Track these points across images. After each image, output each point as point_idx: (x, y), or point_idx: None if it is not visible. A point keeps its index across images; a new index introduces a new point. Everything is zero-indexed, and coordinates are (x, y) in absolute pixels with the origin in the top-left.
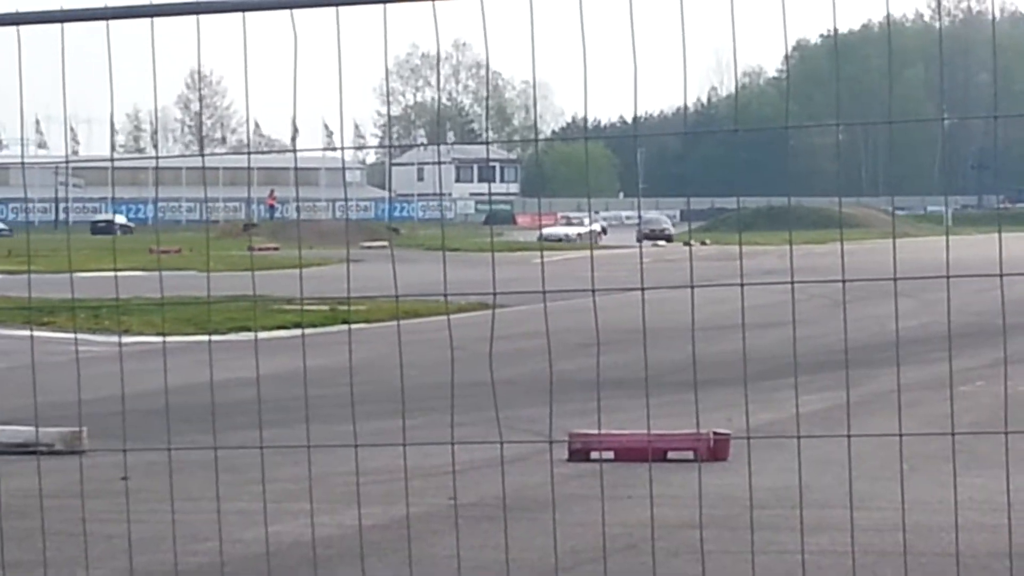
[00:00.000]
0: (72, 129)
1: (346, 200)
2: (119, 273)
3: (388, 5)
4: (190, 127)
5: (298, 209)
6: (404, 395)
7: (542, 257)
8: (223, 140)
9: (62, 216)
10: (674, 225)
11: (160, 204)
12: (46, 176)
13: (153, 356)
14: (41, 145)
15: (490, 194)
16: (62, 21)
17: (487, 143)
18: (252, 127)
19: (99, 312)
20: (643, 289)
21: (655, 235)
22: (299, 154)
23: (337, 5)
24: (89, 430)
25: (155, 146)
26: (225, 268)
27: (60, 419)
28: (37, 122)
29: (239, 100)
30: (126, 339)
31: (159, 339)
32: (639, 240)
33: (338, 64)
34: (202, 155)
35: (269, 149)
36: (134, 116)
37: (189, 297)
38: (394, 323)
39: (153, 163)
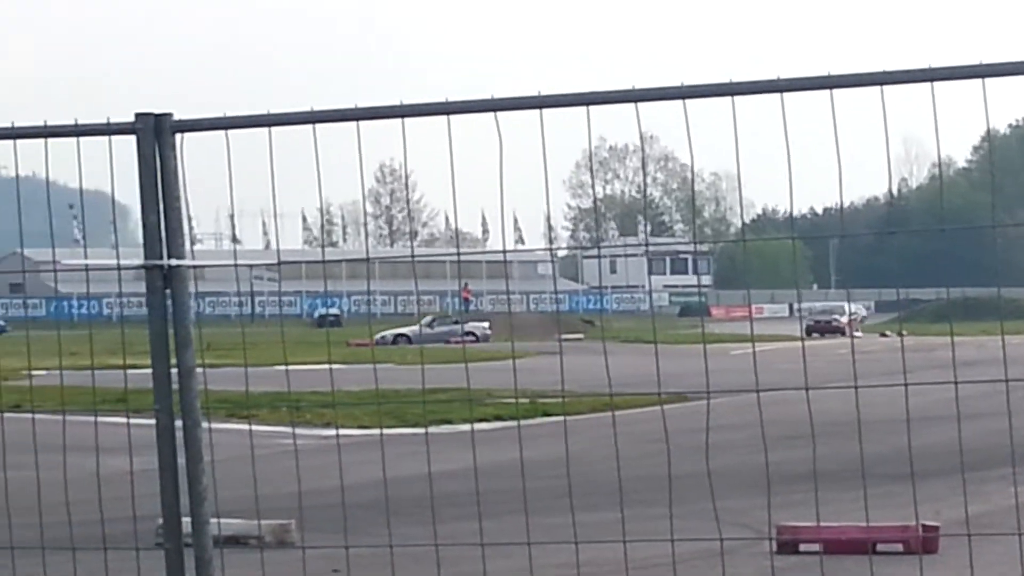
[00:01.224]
0: (264, 223)
1: (555, 292)
2: (318, 366)
3: (591, 107)
4: (379, 220)
5: (508, 303)
6: (622, 491)
7: (754, 350)
8: (414, 234)
9: (265, 309)
10: (867, 316)
11: (353, 298)
12: (241, 270)
13: (355, 449)
14: (234, 239)
15: (699, 286)
16: (270, 125)
17: (694, 240)
18: (444, 221)
19: (300, 405)
20: (856, 387)
21: (822, 327)
22: (492, 246)
23: (540, 107)
24: (297, 522)
25: (344, 239)
26: (428, 361)
27: (266, 512)
28: (231, 216)
29: (430, 193)
30: (326, 432)
31: (360, 431)
32: (808, 333)
33: (543, 164)
34: (412, 252)
35: (489, 250)
36: (326, 210)
37: (389, 390)
38: (592, 415)
39: (348, 256)
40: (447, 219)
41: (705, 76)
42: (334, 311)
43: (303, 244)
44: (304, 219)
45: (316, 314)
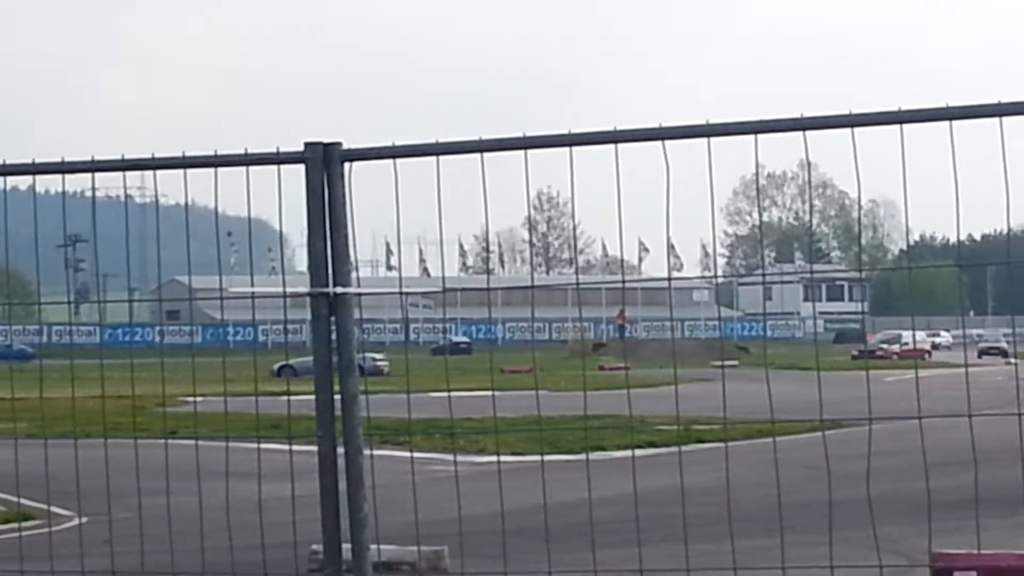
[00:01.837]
0: (420, 250)
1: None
2: (469, 393)
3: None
4: (536, 247)
5: (672, 329)
6: (782, 517)
7: (916, 376)
8: (570, 261)
9: (420, 336)
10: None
11: (509, 324)
12: (395, 297)
13: (507, 475)
14: (390, 267)
15: (861, 312)
16: (438, 154)
17: (860, 268)
18: (601, 247)
19: (455, 432)
20: (1020, 415)
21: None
22: (647, 274)
23: (708, 136)
24: (449, 549)
25: (497, 267)
26: (575, 388)
27: (419, 538)
28: (387, 244)
29: (587, 220)
30: (478, 458)
31: (514, 458)
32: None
33: (710, 191)
34: (577, 279)
35: (647, 277)
36: (482, 237)
37: (545, 417)
38: (745, 442)
39: (511, 283)
40: (603, 246)
41: (859, 105)
42: (463, 339)
43: (459, 271)
44: (460, 246)
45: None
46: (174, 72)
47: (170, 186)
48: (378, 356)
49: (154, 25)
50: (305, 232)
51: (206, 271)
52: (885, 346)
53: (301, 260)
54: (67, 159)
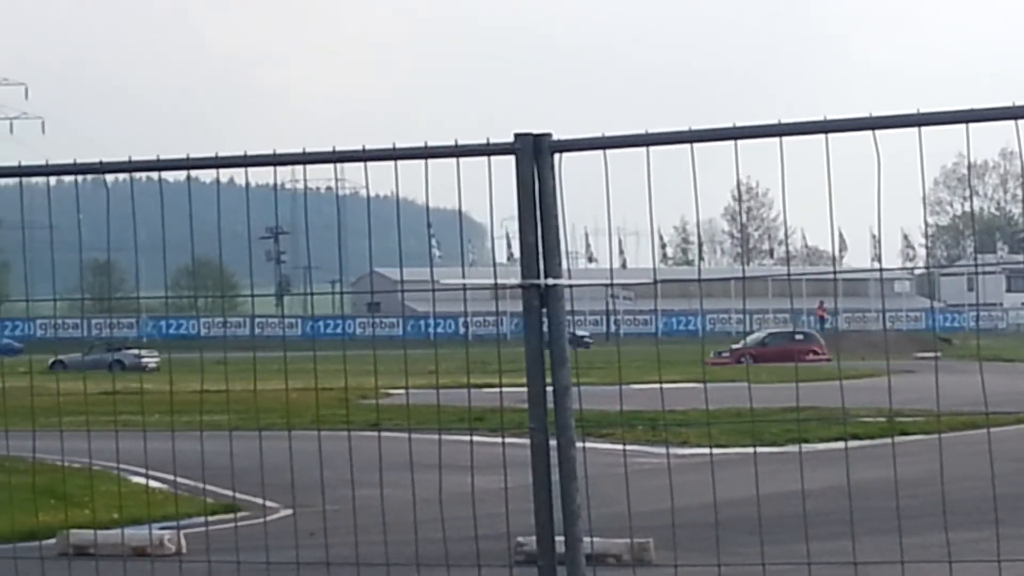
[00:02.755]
0: (620, 241)
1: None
2: (672, 385)
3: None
4: (736, 239)
5: (884, 321)
6: (997, 509)
7: None
8: (771, 252)
9: (620, 328)
10: None
11: (709, 316)
12: (596, 289)
13: (707, 468)
14: (591, 259)
15: None
16: (648, 144)
17: None
18: (800, 239)
19: (656, 424)
20: None
21: None
22: (848, 264)
23: (919, 125)
24: (655, 541)
25: (700, 258)
26: (776, 380)
27: (623, 530)
28: (586, 235)
29: (787, 210)
30: (682, 451)
31: (717, 450)
32: None
33: (921, 182)
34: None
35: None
36: (681, 229)
37: (743, 409)
38: (951, 434)
39: (720, 274)
40: (803, 236)
41: None
42: (583, 333)
43: (659, 262)
44: (660, 237)
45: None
46: (364, 62)
47: (359, 177)
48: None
49: (349, 14)
50: (503, 223)
51: (406, 262)
52: None
53: (499, 251)
54: (277, 151)
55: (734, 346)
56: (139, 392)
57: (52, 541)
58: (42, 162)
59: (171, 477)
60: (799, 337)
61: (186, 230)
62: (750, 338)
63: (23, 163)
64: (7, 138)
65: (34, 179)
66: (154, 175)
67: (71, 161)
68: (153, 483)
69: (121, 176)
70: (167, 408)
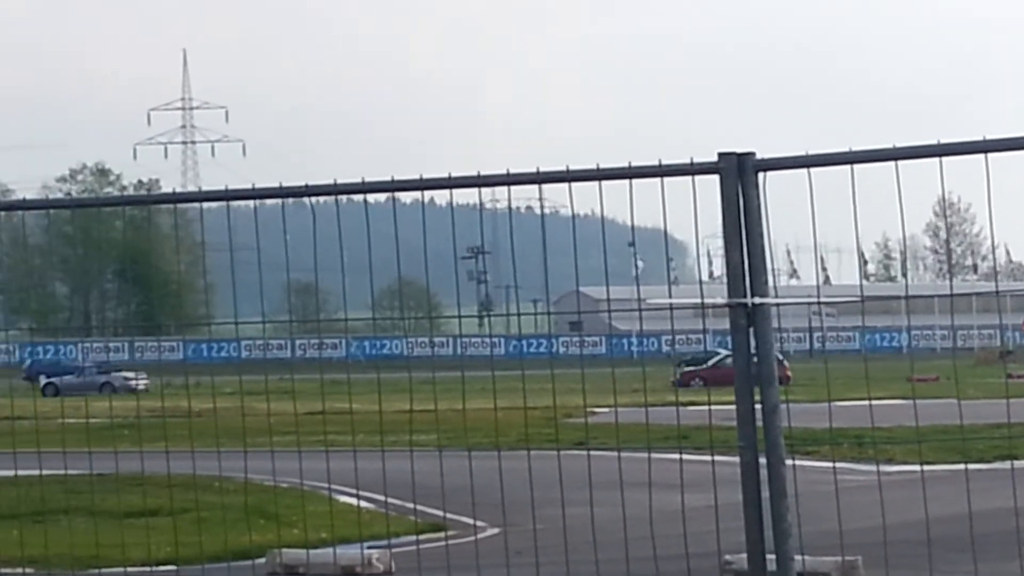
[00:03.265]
0: (821, 258)
1: None
2: (879, 402)
3: None
4: (939, 254)
5: None
6: None
7: None
8: (974, 268)
9: (824, 345)
10: None
11: (914, 332)
12: (798, 307)
13: (917, 484)
14: (792, 275)
15: None
16: (851, 163)
17: None
18: (1004, 254)
19: (863, 441)
20: None
21: None
22: None
23: None
24: (864, 559)
25: (904, 275)
26: (983, 396)
27: (832, 548)
28: (788, 252)
29: (988, 226)
30: (888, 468)
31: (924, 468)
32: None
33: None
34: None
35: None
36: (883, 244)
37: (951, 425)
38: None
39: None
40: (1007, 251)
41: None
42: (779, 356)
43: (862, 279)
44: (861, 253)
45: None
46: (566, 85)
47: (559, 196)
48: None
49: (550, 35)
50: (704, 241)
51: (604, 281)
52: None
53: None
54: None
55: (687, 368)
56: (348, 412)
57: (262, 560)
58: (247, 185)
59: (380, 497)
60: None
61: (389, 251)
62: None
63: (229, 187)
64: (209, 161)
65: (239, 203)
66: (357, 197)
67: (276, 184)
68: (363, 503)
69: (324, 199)
70: (374, 428)
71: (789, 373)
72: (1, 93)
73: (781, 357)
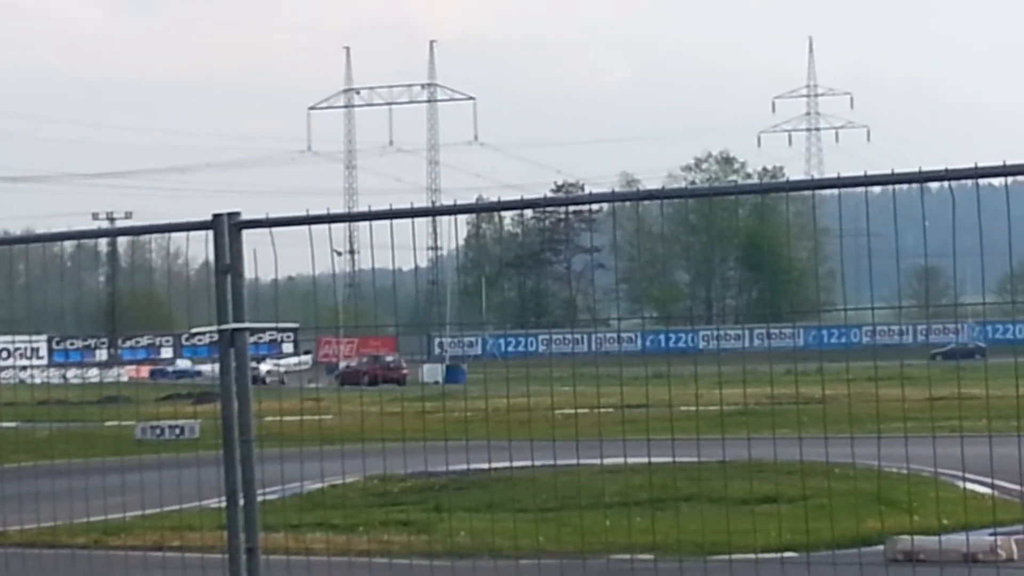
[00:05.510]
0: None
1: None
2: None
3: None
4: None
5: None
6: None
7: None
8: None
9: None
10: None
11: None
12: None
13: None
14: None
15: None
16: None
17: None
18: None
19: None
20: None
21: None
22: None
23: None
24: None
25: None
26: None
27: None
28: None
29: None
30: None
31: None
32: None
33: None
34: None
35: None
36: None
37: None
38: None
39: None
40: None
41: None
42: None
43: None
44: None
45: None
46: None
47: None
48: None
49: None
50: None
51: None
52: None
53: None
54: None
55: None
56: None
57: (879, 547)
58: (859, 172)
59: (1002, 484)
60: None
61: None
62: None
63: (841, 175)
64: (832, 147)
65: (858, 189)
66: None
67: (888, 171)
68: (992, 491)
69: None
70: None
71: None
72: (626, 88)
73: None
